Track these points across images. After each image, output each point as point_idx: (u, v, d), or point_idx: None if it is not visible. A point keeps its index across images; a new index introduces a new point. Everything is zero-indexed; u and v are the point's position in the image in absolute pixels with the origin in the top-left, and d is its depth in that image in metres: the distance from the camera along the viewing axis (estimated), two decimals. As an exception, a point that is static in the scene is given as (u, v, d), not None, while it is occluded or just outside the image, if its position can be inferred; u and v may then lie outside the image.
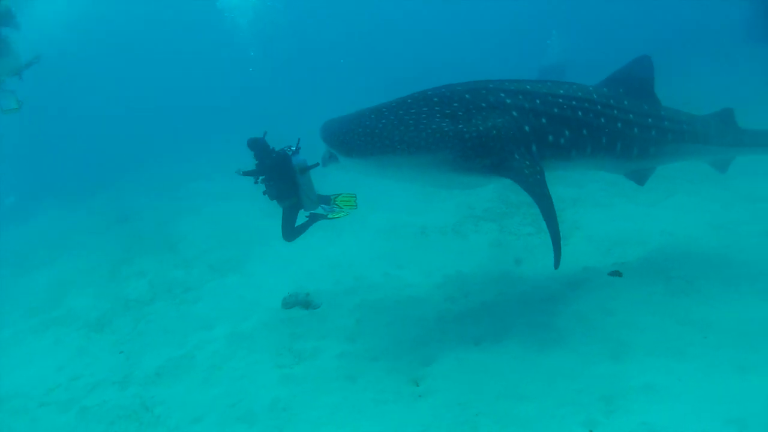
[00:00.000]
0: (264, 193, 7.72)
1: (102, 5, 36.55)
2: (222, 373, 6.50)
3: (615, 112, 5.96)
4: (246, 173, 7.59)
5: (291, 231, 7.78)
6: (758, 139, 7.13)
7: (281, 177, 7.54)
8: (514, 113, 5.38)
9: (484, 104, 5.28)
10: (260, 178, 7.61)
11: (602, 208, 9.57)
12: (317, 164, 7.44)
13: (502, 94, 5.44)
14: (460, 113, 5.15)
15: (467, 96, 5.33)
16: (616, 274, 6.81)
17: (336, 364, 6.14)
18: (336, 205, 7.95)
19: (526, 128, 5.39)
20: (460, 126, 5.04)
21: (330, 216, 7.87)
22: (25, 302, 10.47)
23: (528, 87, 5.66)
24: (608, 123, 5.87)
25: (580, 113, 5.70)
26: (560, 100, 5.64)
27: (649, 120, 6.27)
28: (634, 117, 6.12)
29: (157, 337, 7.85)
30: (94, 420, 6.28)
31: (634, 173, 6.80)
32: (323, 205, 7.98)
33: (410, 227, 10.07)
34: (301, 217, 7.92)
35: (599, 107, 5.86)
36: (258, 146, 7.59)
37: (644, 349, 5.30)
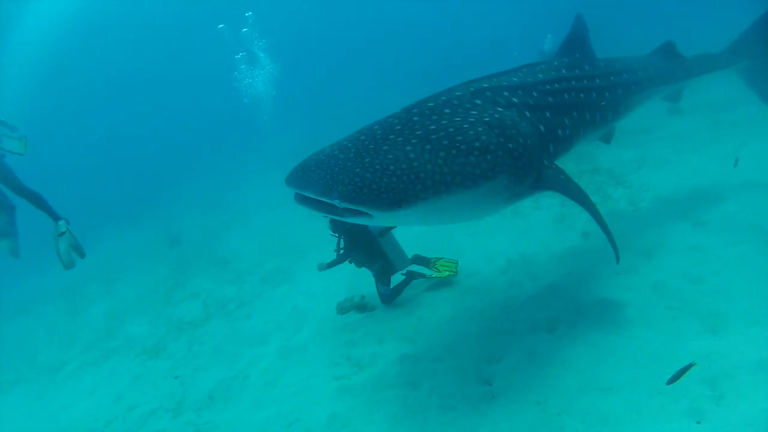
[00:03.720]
0: (350, 261, 7.15)
1: (118, 20, 37.27)
2: (276, 391, 6.05)
3: (585, 82, 5.34)
4: (330, 265, 7.04)
5: (388, 295, 7.13)
6: (705, 65, 7.09)
7: (359, 243, 6.98)
8: (527, 113, 4.56)
9: (500, 108, 4.37)
10: (341, 245, 7.09)
11: (671, 167, 8.67)
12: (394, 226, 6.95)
13: (506, 93, 4.59)
14: (487, 118, 4.12)
15: (478, 101, 4.34)
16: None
17: (397, 369, 5.60)
18: (436, 269, 7.34)
19: (542, 128, 4.62)
20: (502, 140, 4.00)
21: (429, 275, 7.26)
22: (86, 335, 10.41)
23: (516, 80, 4.83)
24: (587, 97, 5.25)
25: (566, 96, 5.04)
26: (548, 87, 4.94)
27: (612, 79, 5.69)
28: (600, 81, 5.51)
29: (211, 358, 7.50)
30: (149, 453, 5.97)
31: (603, 135, 6.24)
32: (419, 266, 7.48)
33: (465, 212, 9.41)
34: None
35: (574, 83, 5.21)
36: None
37: (745, 320, 4.56)
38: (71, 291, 13.37)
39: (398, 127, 3.96)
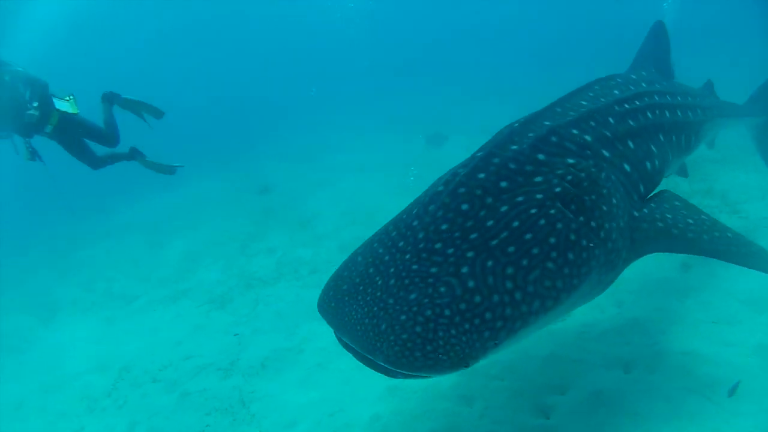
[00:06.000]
0: None
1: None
2: (326, 374, 5.88)
3: (669, 98, 4.56)
4: None
5: None
6: (738, 110, 6.61)
7: None
8: (606, 153, 3.57)
9: (571, 160, 3.33)
10: None
11: (806, 201, 7.70)
12: None
13: (575, 131, 3.56)
14: (558, 187, 3.12)
15: (541, 157, 3.29)
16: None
17: (454, 379, 5.22)
18: None
19: (626, 167, 3.66)
20: (582, 220, 3.04)
21: None
22: (161, 272, 10.63)
23: (585, 104, 3.93)
24: (672, 115, 4.45)
25: (650, 115, 4.17)
26: (626, 106, 4.04)
27: (689, 99, 4.92)
28: (681, 99, 4.75)
29: (272, 323, 7.42)
30: (191, 408, 6.03)
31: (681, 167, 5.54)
32: None
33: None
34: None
35: (657, 98, 4.41)
36: None
37: None
38: (156, 224, 13.70)
39: (445, 226, 2.99)
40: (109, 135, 9.08)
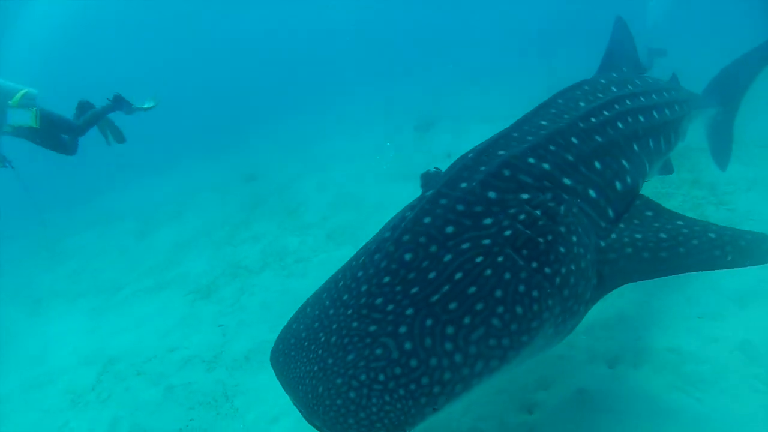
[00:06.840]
0: None
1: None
2: (310, 367, 5.84)
3: (643, 99, 4.27)
4: None
5: None
6: (705, 100, 6.34)
7: None
8: (566, 181, 3.20)
9: (525, 195, 3.00)
10: None
11: (789, 195, 7.68)
12: None
13: (532, 160, 3.19)
14: (508, 231, 2.82)
15: (491, 195, 2.98)
16: None
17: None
18: None
19: (592, 193, 3.28)
20: (534, 267, 2.73)
21: None
22: (147, 261, 10.57)
23: (546, 124, 3.54)
24: (648, 118, 4.14)
25: (620, 125, 3.79)
26: (593, 120, 3.65)
27: (665, 95, 4.69)
28: (657, 97, 4.51)
29: (256, 314, 7.38)
30: (176, 402, 6.00)
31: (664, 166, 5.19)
32: None
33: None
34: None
35: (629, 102, 4.07)
36: None
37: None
38: (144, 212, 13.66)
39: (387, 279, 2.74)
40: (77, 129, 8.84)
